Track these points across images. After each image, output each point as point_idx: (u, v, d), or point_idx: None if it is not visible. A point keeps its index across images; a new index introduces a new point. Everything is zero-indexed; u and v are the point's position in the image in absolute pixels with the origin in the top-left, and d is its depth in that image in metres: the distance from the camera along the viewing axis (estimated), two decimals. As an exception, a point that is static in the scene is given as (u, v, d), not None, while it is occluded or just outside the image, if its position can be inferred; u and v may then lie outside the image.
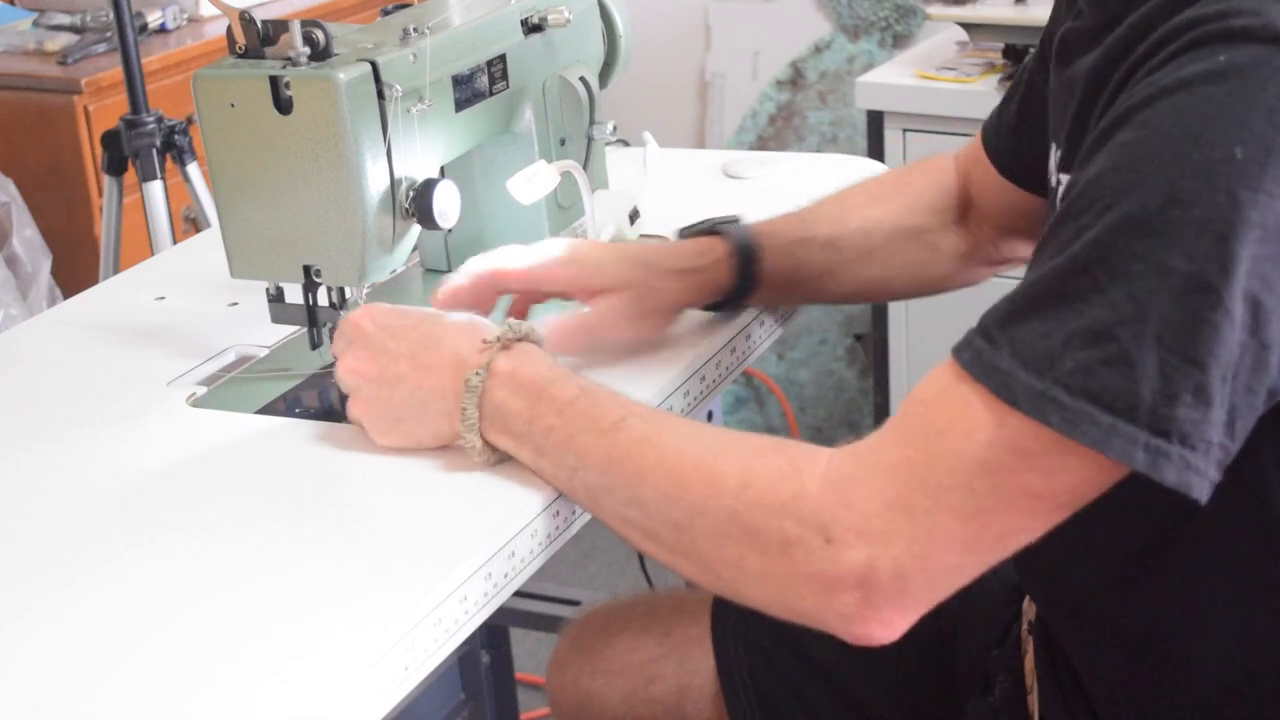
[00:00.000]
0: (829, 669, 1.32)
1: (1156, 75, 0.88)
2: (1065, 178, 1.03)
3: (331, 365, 1.28)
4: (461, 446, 1.10)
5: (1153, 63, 0.89)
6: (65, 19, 2.68)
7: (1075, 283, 0.87)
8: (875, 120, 2.35)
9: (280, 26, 1.19)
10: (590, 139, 1.44)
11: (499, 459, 1.10)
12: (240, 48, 1.20)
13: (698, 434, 1.02)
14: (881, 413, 2.50)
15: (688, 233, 1.32)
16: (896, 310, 2.44)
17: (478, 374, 1.08)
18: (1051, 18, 1.19)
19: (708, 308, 1.31)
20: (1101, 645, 1.05)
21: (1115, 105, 0.91)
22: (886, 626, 0.93)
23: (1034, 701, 1.17)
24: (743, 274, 1.28)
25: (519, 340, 1.11)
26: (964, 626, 1.27)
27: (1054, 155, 1.09)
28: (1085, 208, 0.88)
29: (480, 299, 1.23)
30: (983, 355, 0.89)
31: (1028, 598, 1.21)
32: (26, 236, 2.49)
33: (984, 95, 2.24)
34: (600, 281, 1.22)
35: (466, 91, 1.30)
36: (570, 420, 1.05)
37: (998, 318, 0.90)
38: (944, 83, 2.29)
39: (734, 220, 1.31)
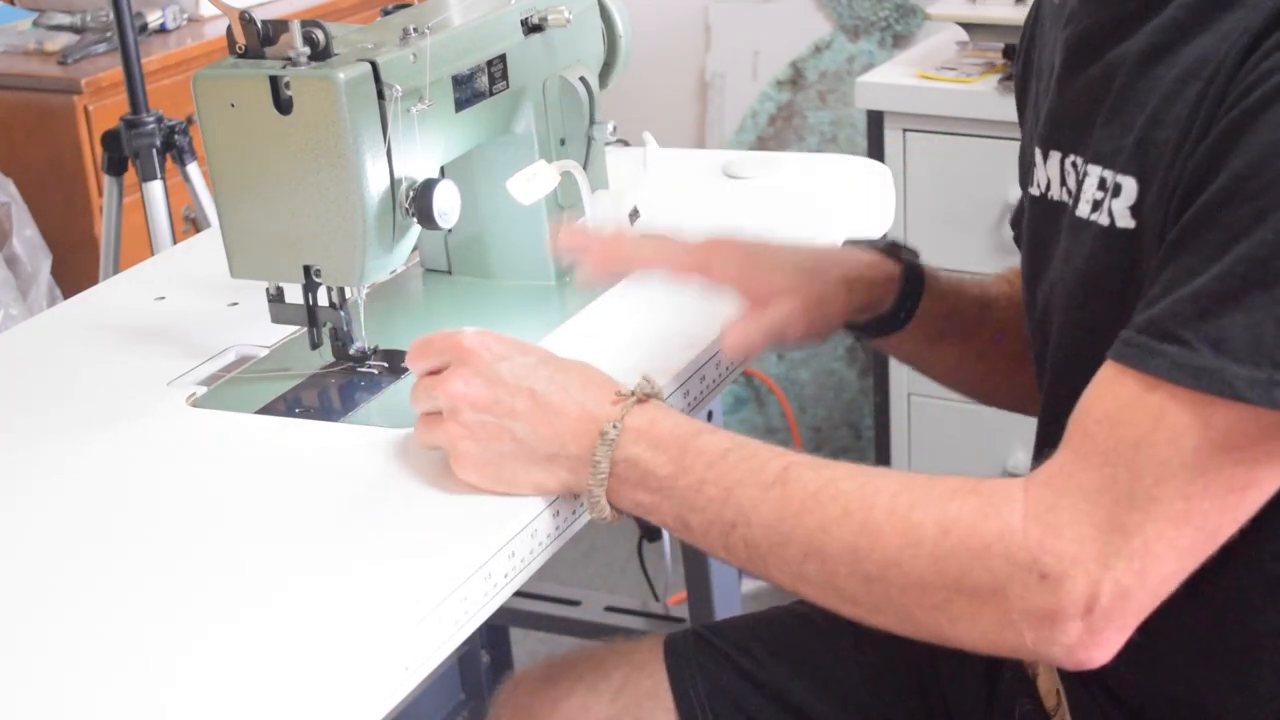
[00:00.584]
0: (801, 709, 1.27)
1: None
2: (1098, 169, 1.01)
3: (333, 365, 1.28)
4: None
5: (1278, 36, 0.88)
6: (65, 19, 2.67)
7: (1273, 267, 0.86)
8: (875, 120, 2.35)
9: (280, 26, 1.19)
10: (590, 139, 1.44)
11: (619, 519, 1.07)
12: (240, 48, 1.20)
13: (875, 480, 0.98)
14: (881, 413, 2.50)
15: (853, 243, 1.30)
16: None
17: (615, 426, 1.04)
18: (1025, 42, 1.20)
19: (853, 328, 1.28)
20: (1161, 650, 1.02)
21: (1240, 83, 0.90)
22: (1107, 648, 0.92)
23: (1063, 716, 1.15)
24: (906, 297, 1.27)
25: (651, 396, 1.07)
26: (943, 654, 1.19)
27: (1055, 161, 1.08)
28: (1260, 190, 0.87)
29: (631, 261, 1.20)
30: (1181, 360, 0.88)
31: None
32: (26, 236, 2.49)
33: (984, 95, 2.24)
34: (772, 286, 1.19)
35: (466, 91, 1.30)
36: (725, 474, 1.02)
37: (1184, 319, 0.88)
38: (944, 83, 2.29)
39: (912, 250, 1.29)
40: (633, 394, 1.06)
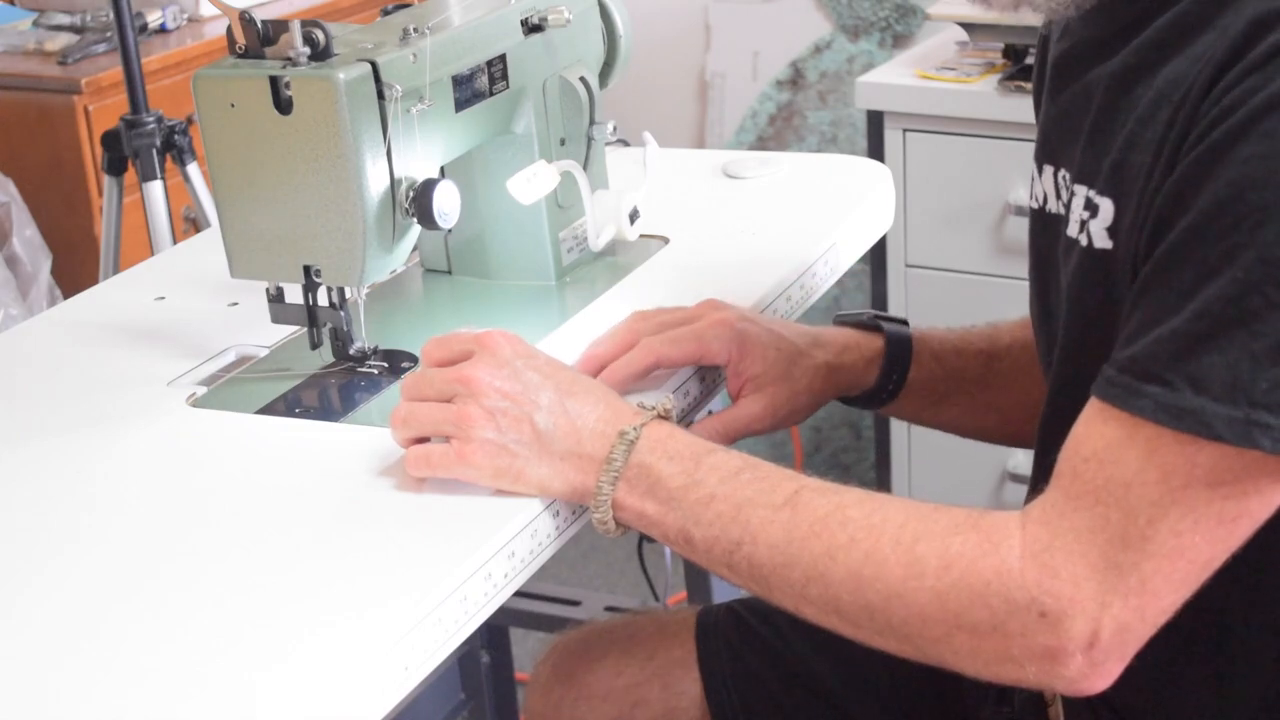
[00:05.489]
0: (821, 687, 1.30)
1: (1256, 79, 0.88)
2: (1083, 189, 1.02)
3: (333, 365, 1.28)
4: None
5: (1245, 64, 0.89)
6: (65, 19, 2.68)
7: (1247, 305, 0.86)
8: (875, 120, 2.35)
9: (280, 26, 1.19)
10: (590, 139, 1.44)
11: (622, 532, 1.08)
12: (240, 48, 1.20)
13: (882, 508, 0.99)
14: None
15: (845, 319, 1.32)
16: (895, 311, 2.44)
17: (634, 429, 1.05)
18: (1036, 66, 1.20)
19: (847, 401, 1.30)
20: (1142, 653, 1.02)
21: (1205, 114, 0.90)
22: (1108, 677, 0.94)
23: (1056, 712, 1.16)
24: (890, 372, 1.28)
25: (668, 415, 1.09)
26: None
27: (1049, 174, 1.08)
28: (1230, 226, 0.87)
29: (636, 376, 1.20)
30: (1164, 400, 0.89)
31: None
32: (26, 236, 2.49)
33: (984, 95, 2.24)
34: (755, 369, 1.21)
35: (466, 91, 1.30)
36: (736, 490, 1.03)
37: (1164, 359, 0.89)
38: (944, 83, 2.29)
39: (900, 321, 1.30)
40: (652, 409, 1.08)
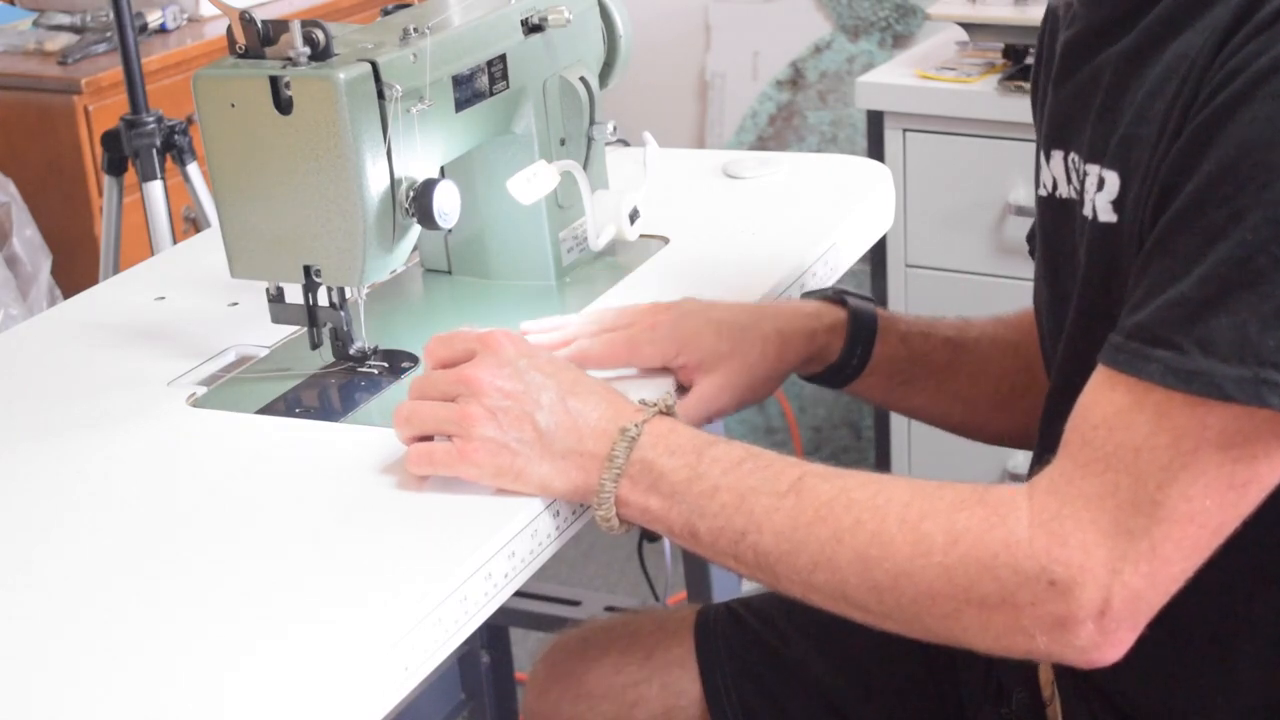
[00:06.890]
0: (820, 687, 1.30)
1: (1260, 43, 0.88)
2: (1095, 168, 1.02)
3: (333, 365, 1.28)
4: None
5: (1250, 27, 0.89)
6: (65, 19, 2.68)
7: (1253, 266, 0.86)
8: (875, 120, 2.35)
9: (280, 26, 1.19)
10: (590, 139, 1.44)
11: (625, 530, 1.08)
12: (240, 48, 1.20)
13: (886, 489, 0.99)
14: (881, 413, 2.49)
15: (810, 294, 1.31)
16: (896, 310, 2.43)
17: (636, 425, 1.06)
18: (1042, 46, 1.20)
19: (812, 378, 1.29)
20: (1145, 640, 1.01)
21: (1210, 79, 0.90)
22: (1120, 646, 0.93)
23: (1055, 713, 1.16)
24: (854, 345, 1.27)
25: (670, 411, 1.09)
26: None
27: (1058, 159, 1.08)
28: (1236, 188, 0.87)
29: None
30: (1173, 364, 0.89)
31: None
32: (26, 236, 2.49)
33: (984, 95, 2.24)
34: (696, 356, 1.20)
35: (466, 91, 1.30)
36: (740, 480, 1.03)
37: (1174, 323, 0.89)
38: (944, 83, 2.29)
39: (868, 299, 1.29)
40: (654, 405, 1.08)
